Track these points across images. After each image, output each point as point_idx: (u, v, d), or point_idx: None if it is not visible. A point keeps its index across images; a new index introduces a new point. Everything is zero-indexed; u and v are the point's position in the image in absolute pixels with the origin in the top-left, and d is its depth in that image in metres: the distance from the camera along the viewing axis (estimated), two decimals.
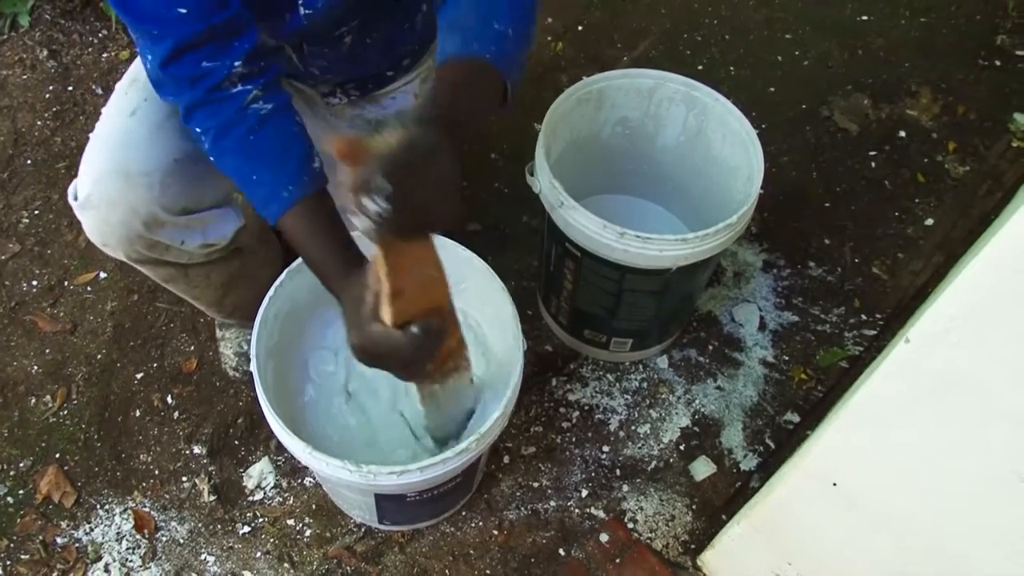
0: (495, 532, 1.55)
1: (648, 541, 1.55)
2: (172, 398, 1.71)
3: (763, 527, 1.26)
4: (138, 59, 1.26)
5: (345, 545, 1.54)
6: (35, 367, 1.75)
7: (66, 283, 1.87)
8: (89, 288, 1.87)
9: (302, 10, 1.19)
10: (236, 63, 1.05)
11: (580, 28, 2.38)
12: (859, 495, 1.04)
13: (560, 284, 1.59)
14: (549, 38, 2.34)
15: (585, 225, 1.38)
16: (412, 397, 1.34)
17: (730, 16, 2.41)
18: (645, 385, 1.73)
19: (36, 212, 1.99)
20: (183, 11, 1.01)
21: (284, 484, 1.60)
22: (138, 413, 1.70)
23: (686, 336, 1.80)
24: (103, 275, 1.88)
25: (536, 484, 1.61)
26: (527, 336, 1.76)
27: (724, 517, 1.55)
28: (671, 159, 1.66)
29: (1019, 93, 2.20)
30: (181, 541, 1.55)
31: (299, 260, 1.27)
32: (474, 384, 1.19)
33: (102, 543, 1.54)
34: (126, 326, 1.81)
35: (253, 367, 1.18)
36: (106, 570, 1.51)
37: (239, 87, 1.06)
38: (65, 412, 1.70)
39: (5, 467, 1.63)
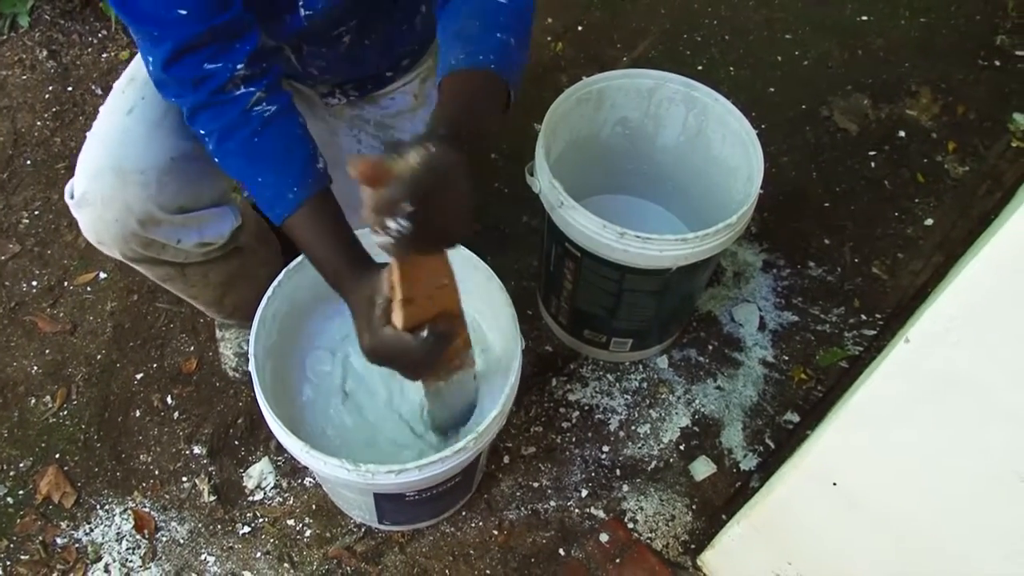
0: (495, 532, 1.55)
1: (648, 541, 1.55)
2: (172, 398, 1.71)
3: (763, 527, 1.26)
4: (137, 58, 1.26)
5: (345, 545, 1.54)
6: (35, 367, 1.75)
7: (66, 283, 1.87)
8: (89, 288, 1.87)
9: (302, 11, 1.20)
10: (239, 65, 1.05)
11: (580, 28, 2.38)
12: (859, 495, 1.04)
13: (560, 284, 1.59)
14: (549, 38, 2.34)
15: (585, 225, 1.38)
16: (408, 396, 1.34)
17: (730, 16, 2.42)
18: (645, 385, 1.73)
19: (36, 212, 1.99)
20: (183, 12, 1.01)
21: (284, 484, 1.60)
22: (138, 413, 1.70)
23: (686, 336, 1.80)
24: (103, 275, 1.88)
25: (536, 484, 1.61)
26: (527, 336, 1.77)
27: (724, 517, 1.55)
28: (671, 159, 1.66)
29: (1019, 93, 2.20)
30: (181, 541, 1.55)
31: (298, 260, 1.27)
32: (476, 377, 1.20)
33: (102, 543, 1.54)
34: (126, 326, 1.81)
35: (251, 367, 1.18)
36: (106, 570, 1.51)
37: (242, 89, 1.07)
38: (65, 412, 1.70)
39: (5, 467, 1.63)
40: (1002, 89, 2.22)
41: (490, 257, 1.30)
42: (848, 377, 1.72)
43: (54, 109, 2.17)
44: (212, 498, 1.59)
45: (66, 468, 1.63)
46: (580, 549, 1.54)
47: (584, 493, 1.60)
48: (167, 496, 1.60)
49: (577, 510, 1.58)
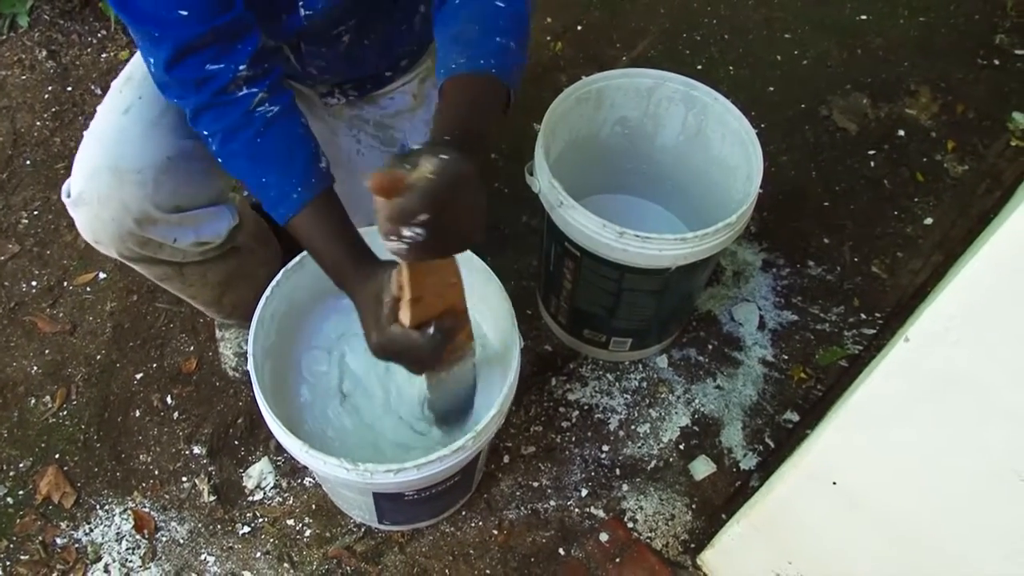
0: (495, 532, 1.55)
1: (648, 540, 1.55)
2: (172, 398, 1.71)
3: (763, 526, 1.26)
4: (135, 57, 1.26)
5: (345, 545, 1.54)
6: (35, 368, 1.75)
7: (65, 284, 1.87)
8: (88, 289, 1.87)
9: (302, 11, 1.20)
10: (241, 66, 1.05)
11: (579, 28, 2.38)
12: (859, 494, 1.04)
13: (559, 284, 1.59)
14: (548, 38, 2.34)
15: (584, 225, 1.38)
16: (405, 396, 1.34)
17: (729, 16, 2.42)
18: (645, 384, 1.73)
19: (35, 213, 1.99)
20: (184, 13, 1.01)
21: (284, 484, 1.60)
22: (138, 413, 1.70)
23: (686, 335, 1.80)
24: (102, 275, 1.88)
25: (536, 484, 1.61)
26: (526, 336, 1.77)
27: (724, 516, 1.55)
28: (670, 159, 1.66)
29: (1018, 92, 2.20)
30: (181, 541, 1.55)
31: (296, 260, 1.27)
32: (474, 366, 1.22)
33: (102, 543, 1.54)
34: (125, 326, 1.81)
35: (250, 367, 1.18)
36: (106, 570, 1.51)
37: (245, 90, 1.07)
38: (65, 413, 1.70)
39: (5, 468, 1.63)
40: (1001, 88, 2.22)
41: (489, 257, 1.30)
42: (848, 376, 1.72)
43: (53, 109, 2.17)
44: (212, 498, 1.59)
45: (66, 468, 1.63)
46: (580, 548, 1.54)
47: (584, 493, 1.60)
48: (167, 496, 1.60)
49: (577, 510, 1.58)
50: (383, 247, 0.88)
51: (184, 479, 1.61)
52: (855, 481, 1.03)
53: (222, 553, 1.53)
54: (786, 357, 1.78)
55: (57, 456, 1.64)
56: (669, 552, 1.54)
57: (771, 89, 2.24)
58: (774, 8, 2.43)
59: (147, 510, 1.58)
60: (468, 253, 1.28)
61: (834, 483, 1.05)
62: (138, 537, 1.55)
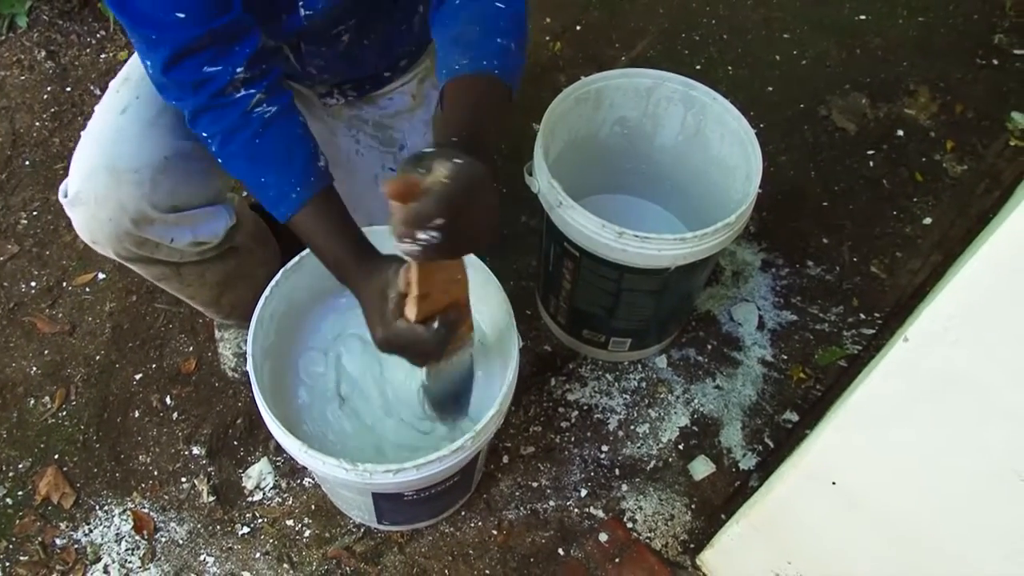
0: (494, 532, 1.55)
1: (647, 540, 1.55)
2: (171, 399, 1.71)
3: (762, 526, 1.26)
4: (133, 58, 1.26)
5: (344, 545, 1.54)
6: (34, 368, 1.75)
7: (64, 284, 1.87)
8: (88, 289, 1.87)
9: (302, 11, 1.20)
10: (238, 68, 1.05)
11: (578, 28, 2.38)
12: (858, 494, 1.04)
13: (559, 284, 1.59)
14: (547, 38, 2.34)
15: (584, 225, 1.38)
16: (402, 396, 1.34)
17: (728, 16, 2.42)
18: (644, 385, 1.73)
19: (34, 213, 1.98)
20: (181, 16, 1.01)
21: (283, 485, 1.60)
22: (137, 414, 1.70)
23: (685, 335, 1.80)
24: (101, 276, 1.88)
25: (535, 484, 1.61)
26: (526, 336, 1.77)
27: (723, 516, 1.56)
28: (669, 159, 1.66)
29: (1017, 92, 2.20)
30: (180, 542, 1.55)
31: (295, 260, 1.27)
32: (472, 355, 1.22)
33: (101, 544, 1.54)
34: (125, 327, 1.81)
35: (249, 367, 1.18)
36: (105, 571, 1.51)
37: (242, 91, 1.07)
38: (64, 413, 1.70)
39: (4, 468, 1.63)
40: (1000, 88, 2.22)
41: (488, 257, 1.30)
42: (847, 376, 1.72)
43: (52, 110, 2.17)
44: (211, 498, 1.59)
45: (65, 469, 1.63)
46: (579, 549, 1.54)
47: (583, 493, 1.60)
48: (166, 497, 1.60)
49: (576, 510, 1.58)
50: (392, 247, 0.89)
51: (183, 480, 1.61)
52: (854, 481, 1.03)
53: (221, 554, 1.53)
54: (785, 357, 1.78)
55: (56, 457, 1.64)
56: (668, 552, 1.54)
57: (770, 89, 2.24)
58: (773, 8, 2.43)
59: (146, 511, 1.58)
60: None
61: (833, 483, 1.05)
62: (137, 538, 1.55)
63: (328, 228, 1.11)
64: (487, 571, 1.51)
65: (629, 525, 1.56)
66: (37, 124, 2.15)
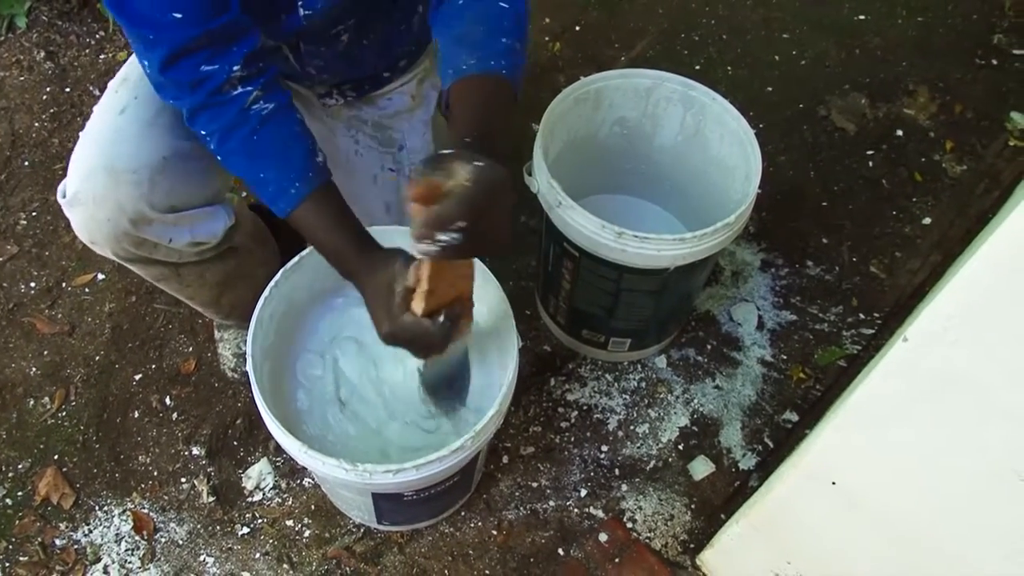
0: (494, 532, 1.55)
1: (647, 540, 1.55)
2: (171, 399, 1.71)
3: (762, 526, 1.26)
4: (132, 58, 1.26)
5: (344, 545, 1.54)
6: (33, 369, 1.75)
7: (64, 284, 1.87)
8: (87, 289, 1.86)
9: (301, 11, 1.20)
10: (235, 67, 1.06)
11: (577, 28, 2.38)
12: (858, 494, 1.04)
13: (558, 284, 1.59)
14: (547, 38, 2.34)
15: (583, 225, 1.38)
16: (402, 396, 1.33)
17: (728, 16, 2.42)
18: (643, 385, 1.73)
19: (34, 214, 1.98)
20: (178, 16, 1.02)
21: (283, 485, 1.60)
22: (137, 414, 1.70)
23: (684, 336, 1.80)
24: (101, 276, 1.88)
25: (535, 484, 1.61)
26: (525, 336, 1.77)
27: (723, 516, 1.56)
28: (669, 159, 1.66)
29: (1016, 92, 2.21)
30: (180, 542, 1.55)
31: (295, 260, 1.27)
32: (466, 345, 1.23)
33: (101, 544, 1.54)
34: (124, 327, 1.81)
35: (249, 367, 1.18)
36: (105, 571, 1.51)
37: (239, 89, 1.07)
38: (64, 414, 1.70)
39: (4, 469, 1.63)
40: (999, 88, 2.22)
41: (488, 257, 1.30)
42: (846, 376, 1.72)
43: (52, 110, 2.17)
44: (211, 499, 1.59)
45: (65, 469, 1.63)
46: (579, 549, 1.54)
47: (583, 493, 1.60)
48: (166, 497, 1.60)
49: (576, 510, 1.58)
50: (410, 245, 0.90)
51: (183, 480, 1.61)
52: (854, 481, 1.03)
53: (221, 554, 1.53)
54: (785, 357, 1.78)
55: (56, 457, 1.64)
56: (668, 552, 1.54)
57: (769, 89, 2.24)
58: (772, 8, 2.43)
59: (146, 511, 1.58)
60: None
61: (833, 483, 1.05)
62: (137, 538, 1.55)
63: (329, 222, 1.11)
64: (487, 571, 1.51)
65: (629, 525, 1.56)
66: (36, 125, 2.15)
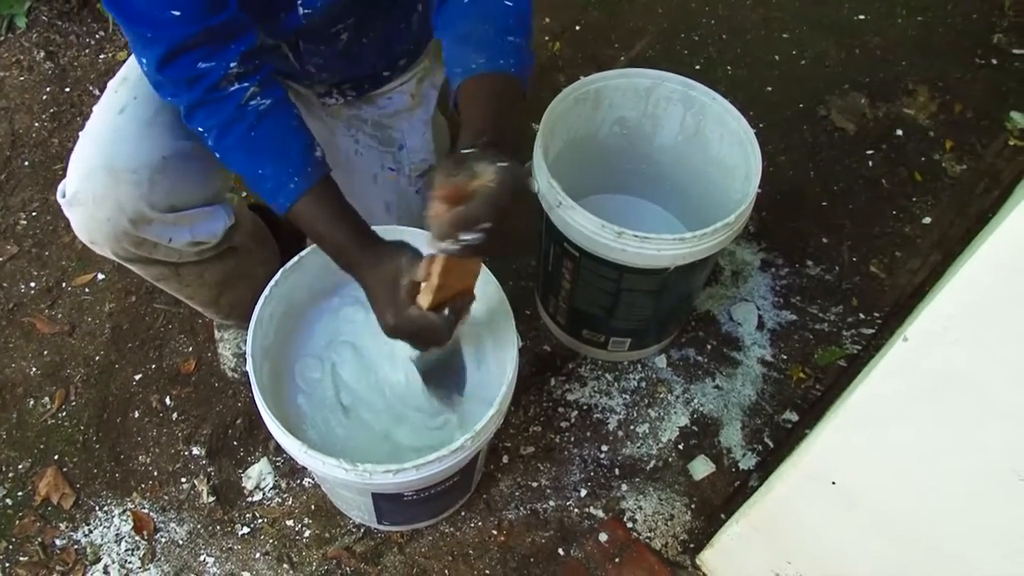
0: (494, 532, 1.55)
1: (647, 540, 1.55)
2: (171, 399, 1.71)
3: (762, 526, 1.26)
4: (131, 58, 1.26)
5: (344, 546, 1.54)
6: (33, 369, 1.75)
7: (64, 285, 1.87)
8: (87, 290, 1.86)
9: (300, 9, 1.20)
10: (232, 63, 1.06)
11: (577, 28, 2.38)
12: (858, 494, 1.04)
13: (558, 284, 1.59)
14: (546, 38, 2.34)
15: (583, 225, 1.38)
16: (406, 398, 1.33)
17: (727, 16, 2.42)
18: (644, 384, 1.73)
19: (34, 214, 1.98)
20: (176, 13, 1.02)
21: (283, 485, 1.60)
22: (137, 414, 1.70)
23: (684, 335, 1.80)
24: (101, 276, 1.88)
25: (535, 484, 1.61)
26: (525, 336, 1.77)
27: (723, 516, 1.56)
28: (669, 159, 1.66)
29: (1016, 91, 2.21)
30: (180, 542, 1.55)
31: (295, 259, 1.27)
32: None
33: (101, 544, 1.54)
34: (124, 327, 1.81)
35: (249, 367, 1.18)
36: (105, 571, 1.51)
37: (236, 85, 1.07)
38: (64, 414, 1.70)
39: (4, 469, 1.63)
40: (999, 87, 2.22)
41: (487, 257, 1.29)
42: (846, 376, 1.72)
43: (52, 110, 2.17)
44: (211, 499, 1.59)
45: (65, 469, 1.63)
46: (579, 549, 1.54)
47: (583, 493, 1.60)
48: (166, 497, 1.60)
49: (576, 510, 1.58)
50: (429, 243, 0.91)
51: (183, 480, 1.61)
52: (854, 481, 1.03)
53: (221, 554, 1.53)
54: (785, 357, 1.78)
55: (56, 457, 1.64)
56: (668, 552, 1.54)
57: (769, 89, 2.24)
58: (772, 8, 2.43)
59: (146, 511, 1.58)
60: None
61: (833, 483, 1.05)
62: (137, 538, 1.55)
63: (329, 216, 1.11)
64: (487, 571, 1.51)
65: (629, 525, 1.56)
66: (36, 125, 2.15)
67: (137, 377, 1.74)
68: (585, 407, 1.70)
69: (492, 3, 1.11)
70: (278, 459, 1.63)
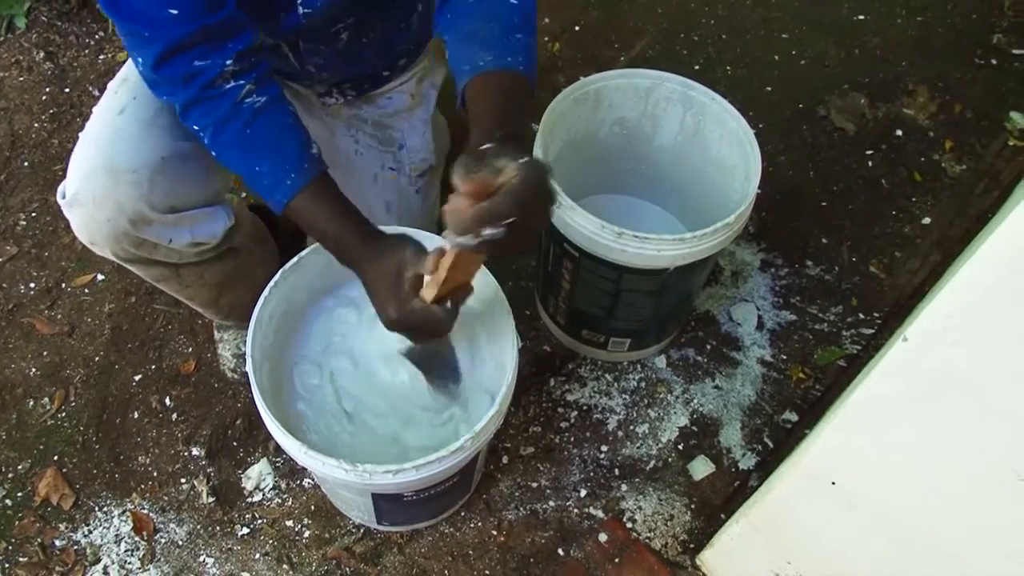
0: (494, 532, 1.55)
1: (647, 540, 1.55)
2: (170, 400, 1.71)
3: (762, 526, 1.26)
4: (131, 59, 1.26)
5: (344, 546, 1.54)
6: (33, 369, 1.75)
7: (64, 285, 1.87)
8: (87, 290, 1.86)
9: (300, 9, 1.20)
10: (227, 61, 1.06)
11: (577, 28, 2.38)
12: (858, 494, 1.04)
13: (558, 284, 1.59)
14: (546, 38, 2.34)
15: (583, 225, 1.38)
16: (407, 397, 1.33)
17: (727, 16, 2.42)
18: (643, 385, 1.73)
19: (33, 214, 1.98)
20: (174, 12, 1.02)
21: (283, 485, 1.60)
22: (136, 415, 1.69)
23: (684, 336, 1.80)
24: (100, 277, 1.88)
25: (535, 484, 1.61)
26: (525, 336, 1.77)
27: (723, 516, 1.56)
28: (668, 159, 1.66)
29: (1015, 91, 2.21)
30: (180, 543, 1.55)
31: (294, 260, 1.27)
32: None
33: (101, 545, 1.54)
34: (124, 328, 1.81)
35: (249, 368, 1.18)
36: (105, 572, 1.51)
37: (232, 83, 1.07)
38: (63, 414, 1.70)
39: (3, 469, 1.63)
40: (999, 88, 2.22)
41: (487, 257, 1.29)
42: (846, 376, 1.72)
43: (51, 111, 2.17)
44: (211, 499, 1.59)
45: (65, 470, 1.63)
46: (579, 549, 1.54)
47: (583, 493, 1.60)
48: (166, 498, 1.60)
49: (576, 510, 1.58)
50: (446, 238, 0.90)
51: (183, 480, 1.61)
52: (854, 481, 1.03)
53: (221, 554, 1.53)
54: (785, 357, 1.78)
55: (56, 458, 1.64)
56: (668, 552, 1.54)
57: (769, 89, 2.24)
58: (771, 8, 2.43)
59: (146, 512, 1.58)
60: None
61: (833, 483, 1.05)
62: (137, 539, 1.55)
63: (328, 211, 1.11)
64: (487, 571, 1.51)
65: (629, 525, 1.56)
66: (36, 125, 2.15)
67: (137, 378, 1.74)
68: (585, 407, 1.70)
69: (497, 1, 1.10)
70: (278, 460, 1.63)
